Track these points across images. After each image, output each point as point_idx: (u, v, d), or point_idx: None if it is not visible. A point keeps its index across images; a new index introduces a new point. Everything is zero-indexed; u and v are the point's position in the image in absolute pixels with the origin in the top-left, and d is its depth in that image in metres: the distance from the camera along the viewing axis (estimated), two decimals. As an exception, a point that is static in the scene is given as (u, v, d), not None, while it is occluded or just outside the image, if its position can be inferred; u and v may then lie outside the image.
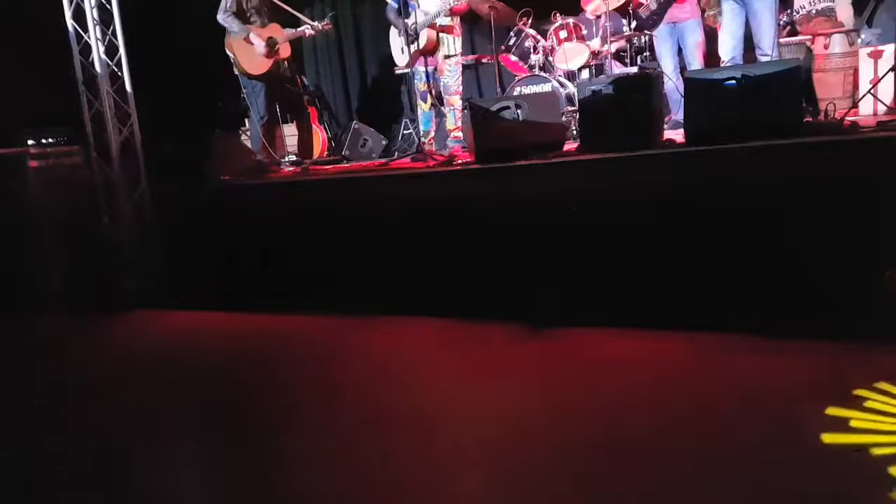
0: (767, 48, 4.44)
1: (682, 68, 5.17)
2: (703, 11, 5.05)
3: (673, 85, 4.89)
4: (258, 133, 5.64)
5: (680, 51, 5.22)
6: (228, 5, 5.30)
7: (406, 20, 4.98)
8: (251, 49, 5.39)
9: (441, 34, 5.12)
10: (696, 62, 5.10)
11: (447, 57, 5.16)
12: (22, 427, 2.98)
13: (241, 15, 5.37)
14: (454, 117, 5.34)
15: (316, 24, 5.48)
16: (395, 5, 5.24)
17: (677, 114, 4.83)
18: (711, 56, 5.05)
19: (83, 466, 2.54)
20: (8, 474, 2.54)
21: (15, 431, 2.95)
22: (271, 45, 5.40)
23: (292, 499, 2.18)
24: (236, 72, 5.51)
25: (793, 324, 2.86)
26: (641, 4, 5.03)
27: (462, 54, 5.37)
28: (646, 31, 5.24)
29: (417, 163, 4.67)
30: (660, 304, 3.17)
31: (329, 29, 5.57)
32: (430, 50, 5.16)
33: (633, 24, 5.29)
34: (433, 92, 5.35)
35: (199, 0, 5.51)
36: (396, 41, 5.58)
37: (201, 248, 4.55)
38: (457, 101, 5.31)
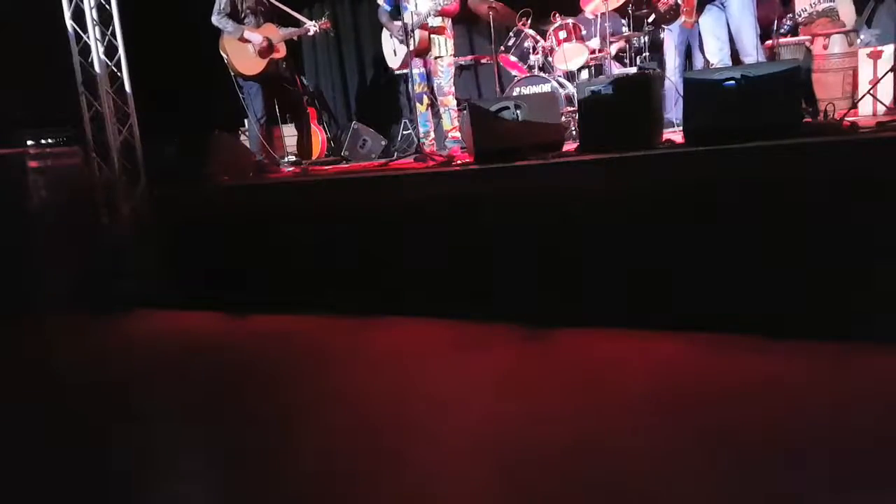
0: (751, 50, 4.45)
1: (685, 67, 5.16)
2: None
3: (672, 84, 4.90)
4: (256, 134, 5.64)
5: (688, 50, 5.22)
6: (222, 7, 5.28)
7: (398, 21, 4.99)
8: (245, 49, 5.37)
9: (433, 35, 5.12)
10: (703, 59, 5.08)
11: (438, 58, 5.17)
12: (21, 427, 2.98)
13: (235, 16, 5.35)
14: (450, 118, 5.34)
15: (314, 23, 5.48)
16: (388, 8, 5.25)
17: (676, 114, 4.83)
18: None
19: (83, 466, 2.54)
20: (10, 474, 2.54)
21: (14, 431, 2.95)
22: (266, 44, 5.39)
23: (291, 499, 2.18)
24: (231, 73, 5.50)
25: (793, 324, 2.87)
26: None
27: (455, 55, 5.37)
28: (663, 27, 5.22)
29: (417, 163, 4.67)
30: (659, 305, 3.18)
31: (328, 27, 5.55)
32: (423, 51, 5.17)
33: (651, 17, 5.24)
34: (428, 91, 5.36)
35: (199, 0, 5.50)
36: (388, 43, 5.59)
37: (201, 248, 4.56)
38: (451, 102, 5.31)
